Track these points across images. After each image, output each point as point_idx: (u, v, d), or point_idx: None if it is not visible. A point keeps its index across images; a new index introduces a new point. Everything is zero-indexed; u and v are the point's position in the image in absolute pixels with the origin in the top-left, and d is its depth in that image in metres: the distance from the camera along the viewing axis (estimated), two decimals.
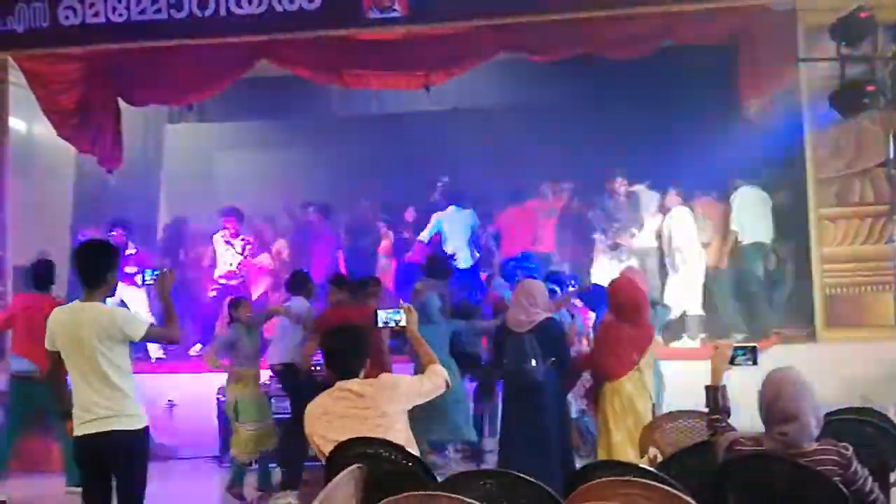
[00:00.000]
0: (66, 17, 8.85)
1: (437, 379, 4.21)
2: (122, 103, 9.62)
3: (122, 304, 8.02)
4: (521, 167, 10.71)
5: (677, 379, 6.81)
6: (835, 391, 6.37)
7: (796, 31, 8.26)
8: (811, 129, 8.32)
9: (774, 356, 7.24)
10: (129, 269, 8.82)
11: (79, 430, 4.42)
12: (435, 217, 10.20)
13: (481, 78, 10.06)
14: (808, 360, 7.18)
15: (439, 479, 3.75)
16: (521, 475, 3.48)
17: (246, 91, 10.18)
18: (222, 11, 8.63)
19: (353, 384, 4.03)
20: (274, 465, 7.23)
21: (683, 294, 8.95)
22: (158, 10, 8.72)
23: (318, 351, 6.74)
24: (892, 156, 7.66)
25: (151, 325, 4.58)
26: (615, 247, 9.41)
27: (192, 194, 11.59)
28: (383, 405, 3.96)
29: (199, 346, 9.44)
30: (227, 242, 9.92)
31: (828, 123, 8.08)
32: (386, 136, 11.46)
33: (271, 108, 11.46)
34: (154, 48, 8.91)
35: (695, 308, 9.00)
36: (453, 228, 10.04)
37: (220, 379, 7.49)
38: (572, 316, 7.49)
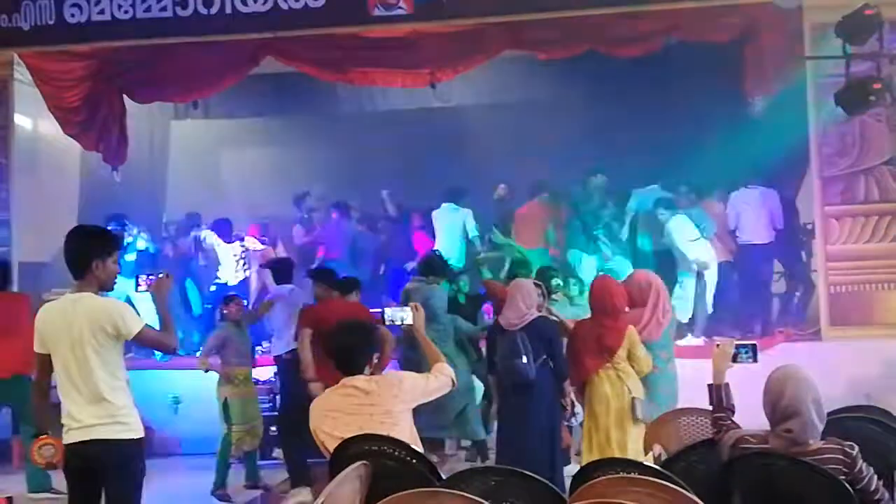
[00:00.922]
0: (72, 15, 8.89)
1: (443, 378, 4.20)
2: (127, 100, 9.64)
3: (129, 301, 8.05)
4: (521, 165, 10.66)
5: (682, 375, 6.78)
6: (840, 390, 6.36)
7: (802, 28, 8.26)
8: (817, 127, 8.31)
9: (780, 355, 7.27)
10: (129, 258, 8.89)
11: (67, 438, 4.01)
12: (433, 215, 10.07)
13: (486, 76, 10.04)
14: (813, 358, 7.19)
15: (444, 476, 3.75)
16: (527, 473, 3.48)
17: (251, 88, 10.20)
18: (228, 9, 8.67)
19: (359, 381, 4.02)
20: (263, 461, 7.24)
21: (689, 294, 8.91)
22: (164, 8, 8.75)
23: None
24: None
25: (148, 325, 4.09)
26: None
27: (198, 191, 11.60)
28: (388, 403, 3.96)
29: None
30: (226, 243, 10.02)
31: (833, 121, 8.07)
32: (391, 133, 11.43)
33: (277, 105, 11.48)
34: (159, 45, 8.95)
35: (699, 307, 8.97)
36: (444, 227, 9.93)
37: None
38: None
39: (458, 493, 3.09)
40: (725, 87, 9.12)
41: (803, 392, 3.32)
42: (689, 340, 8.75)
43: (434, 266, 7.79)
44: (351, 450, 3.74)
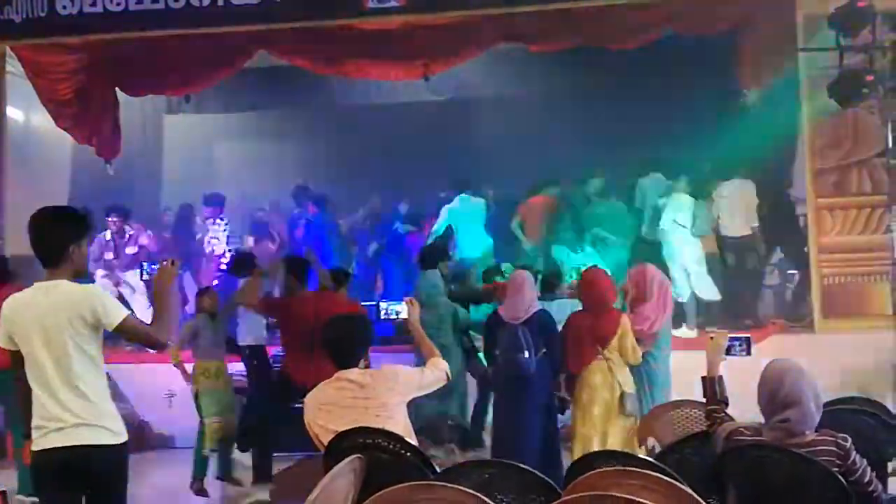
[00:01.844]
0: (64, 7, 8.84)
1: (437, 372, 4.21)
2: (120, 94, 9.61)
3: (121, 298, 8.02)
4: (515, 159, 10.66)
5: (675, 367, 6.80)
6: (832, 381, 6.34)
7: (795, 20, 8.25)
8: (809, 119, 8.33)
9: (772, 346, 7.29)
10: (130, 250, 8.84)
11: (42, 444, 3.58)
12: (445, 209, 9.96)
13: (480, 68, 10.03)
14: (805, 350, 7.24)
15: (438, 469, 3.76)
16: (522, 466, 3.49)
17: (245, 81, 10.15)
18: (220, 1, 8.62)
19: (353, 374, 4.02)
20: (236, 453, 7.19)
21: (682, 284, 8.93)
22: (156, 0, 8.70)
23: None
24: (890, 145, 7.66)
25: (132, 315, 3.72)
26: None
27: (191, 185, 11.56)
28: (383, 396, 3.96)
29: None
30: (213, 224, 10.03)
31: (826, 113, 8.08)
32: (385, 126, 11.42)
33: (270, 99, 11.45)
34: (152, 38, 8.90)
35: (692, 298, 8.99)
36: (463, 218, 9.86)
37: None
38: None
39: (453, 486, 3.09)
40: (719, 80, 9.13)
41: (802, 383, 3.34)
42: (683, 332, 8.78)
43: (434, 253, 7.82)
44: (345, 443, 3.74)
